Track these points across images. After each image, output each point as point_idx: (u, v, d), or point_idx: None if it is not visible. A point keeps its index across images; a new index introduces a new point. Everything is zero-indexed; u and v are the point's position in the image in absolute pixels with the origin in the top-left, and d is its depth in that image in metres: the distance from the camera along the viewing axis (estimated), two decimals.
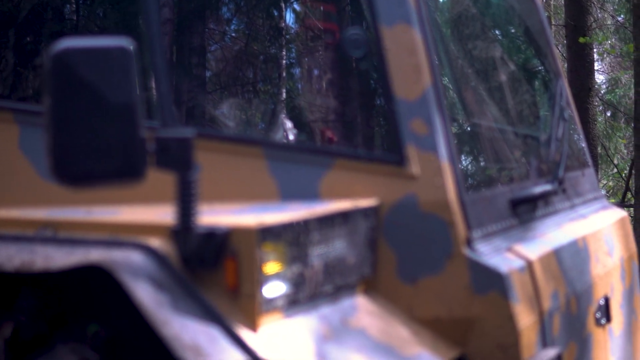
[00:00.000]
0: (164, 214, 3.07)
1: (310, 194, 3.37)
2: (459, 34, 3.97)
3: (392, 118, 3.35)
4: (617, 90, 17.66)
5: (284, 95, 3.95)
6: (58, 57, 2.61)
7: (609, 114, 18.73)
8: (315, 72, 3.81)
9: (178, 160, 2.70)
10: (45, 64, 2.60)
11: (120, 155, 2.64)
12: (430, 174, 3.31)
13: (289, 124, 4.12)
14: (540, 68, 4.80)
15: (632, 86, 16.80)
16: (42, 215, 3.18)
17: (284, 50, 4.03)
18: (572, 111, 4.86)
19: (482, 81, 3.98)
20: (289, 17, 4.05)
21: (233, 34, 4.11)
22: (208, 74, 4.00)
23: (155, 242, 2.81)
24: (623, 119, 17.43)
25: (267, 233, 2.77)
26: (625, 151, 18.28)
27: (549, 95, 4.62)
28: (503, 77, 4.16)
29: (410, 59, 3.38)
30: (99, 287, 3.01)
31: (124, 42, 2.67)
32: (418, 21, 3.44)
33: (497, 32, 4.52)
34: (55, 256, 2.86)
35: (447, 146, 3.37)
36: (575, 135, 4.85)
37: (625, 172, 13.78)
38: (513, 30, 4.67)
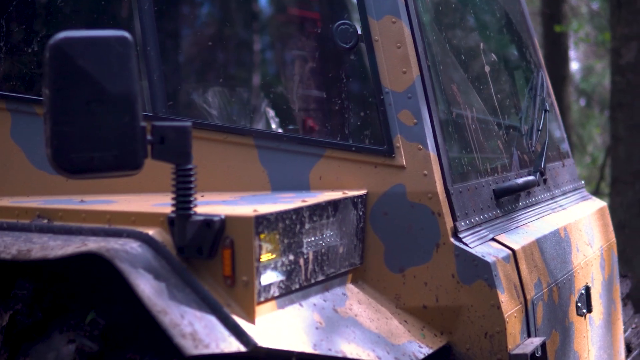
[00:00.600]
0: (158, 203, 3.12)
1: (300, 184, 3.42)
2: (445, 26, 4.02)
3: (380, 109, 3.41)
4: (591, 78, 17.79)
5: (273, 86, 4.00)
6: (57, 47, 2.62)
7: (583, 102, 18.88)
8: (305, 62, 3.85)
9: (175, 150, 2.74)
10: (45, 54, 2.62)
11: (118, 145, 2.67)
12: (418, 165, 3.37)
13: (271, 113, 4.18)
14: (522, 59, 4.87)
15: (607, 75, 16.92)
16: (37, 204, 3.21)
17: (272, 40, 4.08)
18: (553, 102, 4.93)
19: (466, 73, 4.04)
20: (276, 7, 4.10)
21: (214, 23, 4.14)
22: (193, 64, 4.04)
23: (152, 231, 2.85)
24: (597, 108, 17.56)
25: (263, 222, 2.82)
26: (599, 140, 18.43)
27: (530, 86, 4.69)
28: (487, 69, 4.22)
29: (398, 51, 3.44)
30: (95, 275, 3.05)
31: (123, 32, 2.70)
32: (406, 14, 3.50)
33: (481, 24, 4.58)
34: (52, 245, 2.90)
35: (434, 137, 3.44)
36: (556, 126, 4.93)
37: (600, 161, 13.90)
38: (496, 22, 4.74)
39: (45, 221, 3.10)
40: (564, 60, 12.16)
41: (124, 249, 2.77)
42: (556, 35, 11.71)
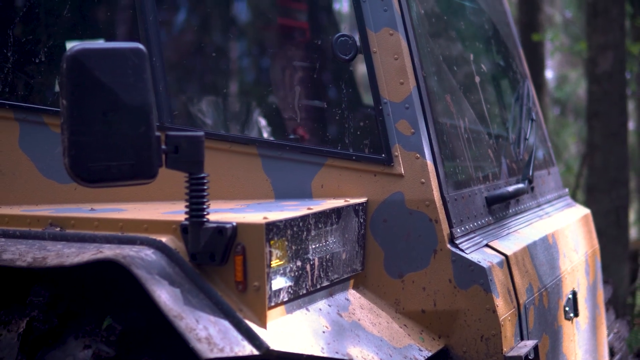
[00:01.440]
0: (168, 211, 3.22)
1: (302, 192, 3.53)
2: (437, 38, 4.15)
3: (379, 119, 3.52)
4: (565, 87, 17.98)
5: (274, 97, 4.11)
6: (74, 58, 2.70)
7: (557, 111, 19.10)
8: (305, 74, 3.96)
9: (189, 159, 2.84)
10: (62, 65, 2.70)
11: (134, 154, 2.75)
12: (415, 173, 3.49)
13: (263, 122, 4.28)
14: (509, 70, 5.00)
15: (581, 83, 17.13)
16: (48, 213, 3.29)
17: (273, 52, 4.19)
18: (538, 111, 5.06)
19: (458, 83, 4.16)
20: (275, 19, 4.21)
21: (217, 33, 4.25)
22: (197, 74, 4.14)
23: (165, 239, 2.95)
24: (572, 116, 17.76)
25: (273, 229, 2.92)
26: (573, 148, 18.64)
27: (517, 95, 4.82)
28: (477, 79, 4.35)
29: (395, 62, 3.56)
30: (107, 282, 3.14)
31: (137, 44, 2.79)
32: (402, 26, 3.61)
33: (471, 36, 4.71)
34: (67, 252, 2.98)
35: (430, 146, 3.56)
36: (541, 135, 5.06)
37: (575, 169, 14.06)
38: (485, 34, 4.87)
39: (58, 229, 3.18)
40: (540, 69, 12.32)
41: (139, 256, 2.86)
42: (533, 44, 11.87)
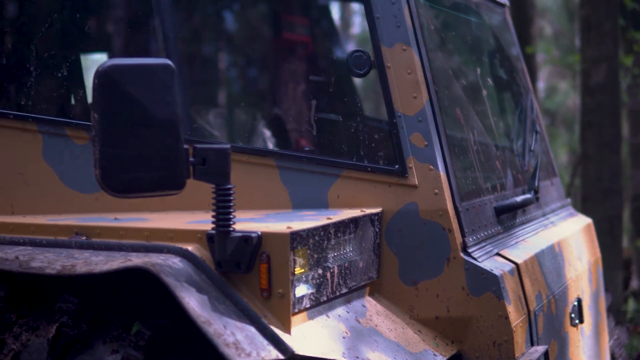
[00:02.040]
0: (192, 220, 3.31)
1: (319, 202, 3.63)
2: (447, 53, 4.25)
3: (393, 132, 3.62)
4: (555, 98, 18.13)
5: (291, 109, 4.20)
6: (105, 73, 2.79)
7: (547, 120, 19.24)
8: (320, 87, 4.06)
9: (216, 171, 2.93)
10: (94, 80, 2.79)
11: (163, 166, 2.85)
12: (429, 184, 3.59)
13: (267, 134, 4.38)
14: (514, 83, 5.11)
15: (570, 94, 17.28)
16: (73, 222, 3.38)
17: (290, 66, 4.28)
18: (541, 123, 5.18)
19: (467, 97, 4.27)
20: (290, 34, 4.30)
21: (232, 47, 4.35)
22: (215, 88, 4.23)
23: (191, 247, 3.04)
24: (561, 127, 17.90)
25: (297, 238, 3.01)
26: (564, 158, 18.79)
27: (521, 108, 4.93)
28: (484, 93, 4.45)
29: (409, 77, 3.66)
30: (130, 289, 3.22)
31: (166, 60, 2.89)
32: (415, 42, 3.72)
33: (478, 50, 4.82)
34: (95, 260, 3.07)
35: (443, 158, 3.66)
36: (544, 146, 5.17)
37: (566, 179, 14.19)
38: (491, 49, 4.98)
39: (84, 238, 3.27)
40: (532, 81, 12.46)
41: (167, 264, 2.95)
42: (525, 56, 12.00)
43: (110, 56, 4.39)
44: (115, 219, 3.46)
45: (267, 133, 4.30)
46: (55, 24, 3.91)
